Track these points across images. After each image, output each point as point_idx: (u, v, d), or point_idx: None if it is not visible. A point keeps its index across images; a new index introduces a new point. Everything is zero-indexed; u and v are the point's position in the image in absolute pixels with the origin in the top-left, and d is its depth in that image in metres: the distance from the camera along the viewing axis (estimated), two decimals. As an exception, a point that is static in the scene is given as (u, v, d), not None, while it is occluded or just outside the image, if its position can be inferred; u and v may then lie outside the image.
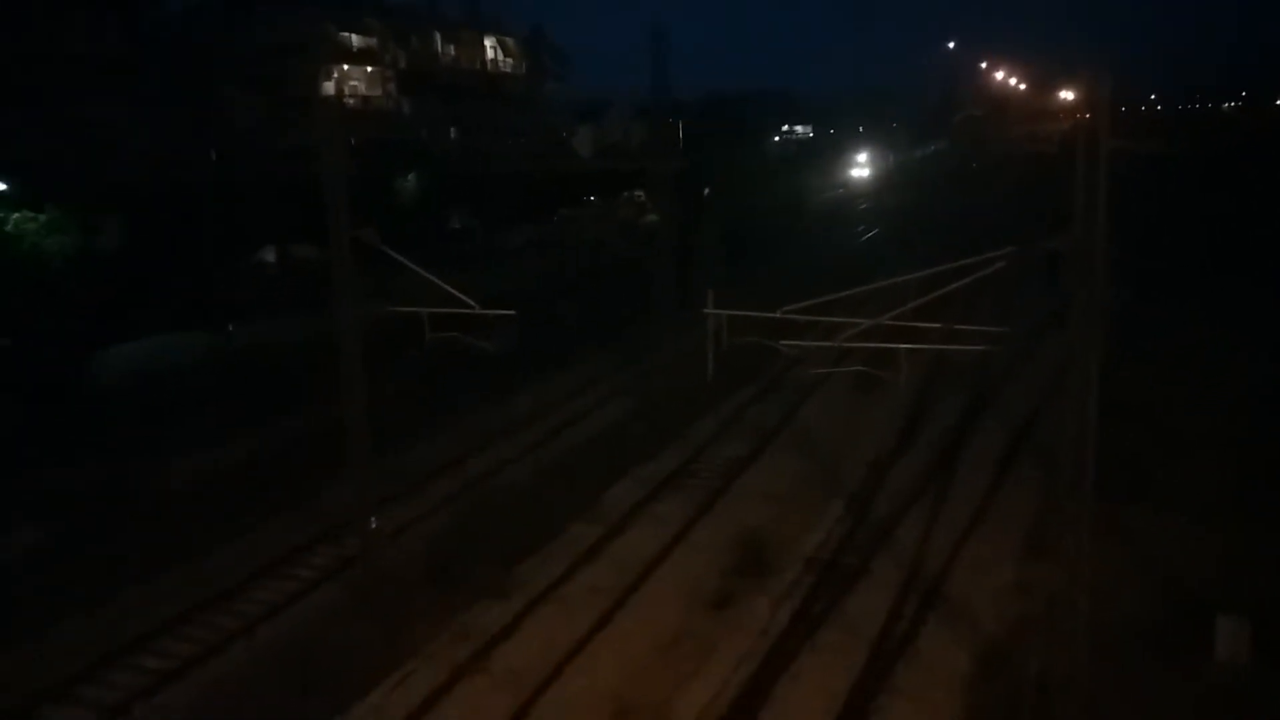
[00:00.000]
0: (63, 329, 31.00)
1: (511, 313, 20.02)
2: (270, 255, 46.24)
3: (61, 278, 32.93)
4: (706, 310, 23.34)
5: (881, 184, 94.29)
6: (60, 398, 27.48)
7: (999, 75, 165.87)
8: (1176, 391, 26.48)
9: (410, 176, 53.31)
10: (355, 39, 61.67)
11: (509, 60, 76.93)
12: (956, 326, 20.00)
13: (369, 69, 62.65)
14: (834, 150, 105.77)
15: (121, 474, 22.97)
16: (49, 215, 32.61)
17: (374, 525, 17.19)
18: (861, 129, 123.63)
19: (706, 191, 71.37)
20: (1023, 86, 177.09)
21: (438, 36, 69.54)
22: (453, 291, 19.23)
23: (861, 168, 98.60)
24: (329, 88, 57.11)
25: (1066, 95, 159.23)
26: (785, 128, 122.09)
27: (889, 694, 13.92)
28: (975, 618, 15.89)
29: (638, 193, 71.45)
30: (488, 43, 74.85)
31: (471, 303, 19.57)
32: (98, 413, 27.37)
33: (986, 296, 31.26)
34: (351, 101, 58.18)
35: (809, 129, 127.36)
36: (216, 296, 35.91)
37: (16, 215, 32.20)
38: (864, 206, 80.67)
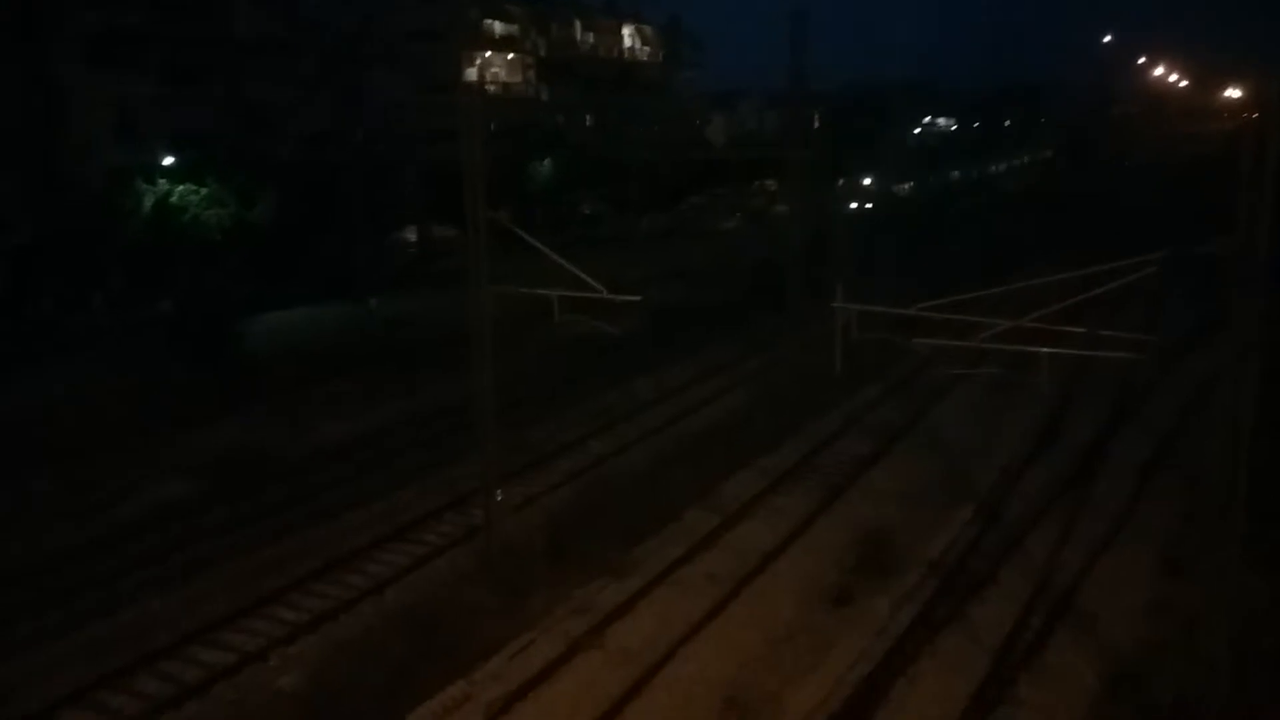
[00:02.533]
0: (219, 296, 32.88)
1: (638, 298, 20.16)
2: (411, 234, 47.87)
3: (219, 248, 34.84)
4: (835, 304, 23.07)
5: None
6: (214, 361, 29.12)
7: (1158, 71, 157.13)
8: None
9: (545, 162, 54.26)
10: (498, 26, 63.04)
11: (646, 48, 77.36)
12: (1101, 332, 19.18)
13: (510, 56, 63.97)
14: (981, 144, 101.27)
15: (267, 436, 24.24)
16: (210, 188, 34.52)
17: (499, 498, 17.71)
18: (1008, 123, 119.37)
19: (841, 183, 70.22)
20: (1183, 83, 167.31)
21: (578, 24, 70.47)
22: (581, 275, 19.52)
23: (858, 196, 73.89)
24: (471, 73, 58.56)
25: (1232, 93, 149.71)
26: (927, 120, 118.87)
27: (1011, 705, 13.51)
28: (1107, 635, 15.23)
29: (769, 182, 70.89)
30: (626, 31, 75.42)
31: (599, 286, 19.81)
32: (248, 377, 28.91)
33: (1135, 302, 29.92)
34: (492, 87, 59.53)
35: (952, 121, 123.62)
36: (359, 271, 37.38)
37: (181, 188, 34.22)
38: None
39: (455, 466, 21.63)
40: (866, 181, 75.25)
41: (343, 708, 13.40)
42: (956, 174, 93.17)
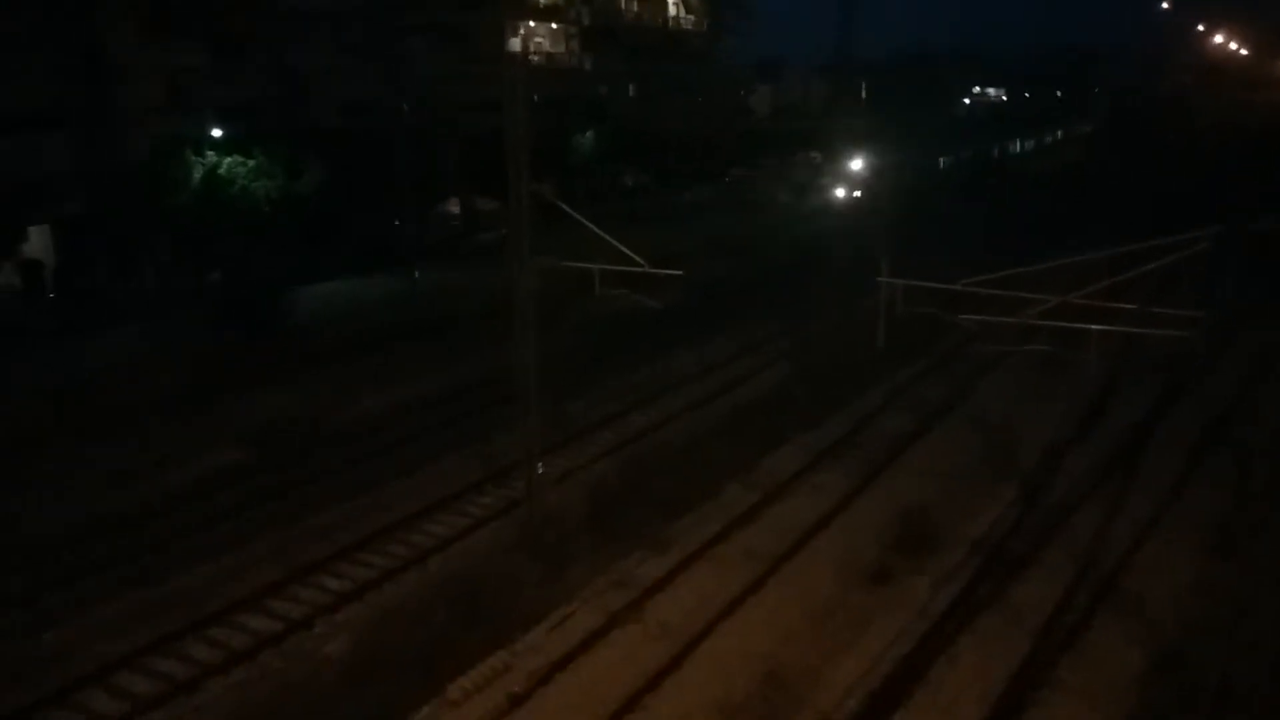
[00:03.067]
0: (266, 267, 33.30)
1: (679, 273, 20.09)
2: (454, 206, 48.03)
3: (266, 219, 35.19)
4: (880, 278, 22.83)
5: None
6: (261, 331, 29.54)
7: (1217, 38, 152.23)
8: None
9: (588, 134, 54.04)
10: (542, -5, 62.68)
11: (690, 17, 76.49)
12: (1152, 309, 18.83)
13: (554, 25, 63.62)
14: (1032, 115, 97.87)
15: (312, 406, 24.59)
16: (257, 160, 34.84)
17: (540, 470, 17.85)
18: (1060, 94, 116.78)
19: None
20: (1243, 51, 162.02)
21: (622, -8, 69.83)
22: (622, 249, 19.49)
23: (846, 182, 57.34)
24: (515, 44, 58.34)
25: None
26: (976, 90, 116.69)
27: (1051, 687, 13.41)
28: (1151, 616, 15.04)
29: (814, 153, 70.13)
30: (670, -1, 74.63)
31: (640, 261, 19.76)
32: (294, 347, 29.32)
33: (1187, 280, 29.25)
34: (536, 58, 59.27)
35: (1002, 92, 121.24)
36: (403, 243, 37.60)
37: (229, 159, 34.57)
38: None
39: (496, 438, 21.78)
40: (855, 165, 56.78)
41: (386, 675, 13.64)
42: (967, 154, 79.16)
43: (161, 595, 16.10)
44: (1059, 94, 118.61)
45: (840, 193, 56.03)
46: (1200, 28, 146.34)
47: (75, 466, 21.27)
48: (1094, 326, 18.32)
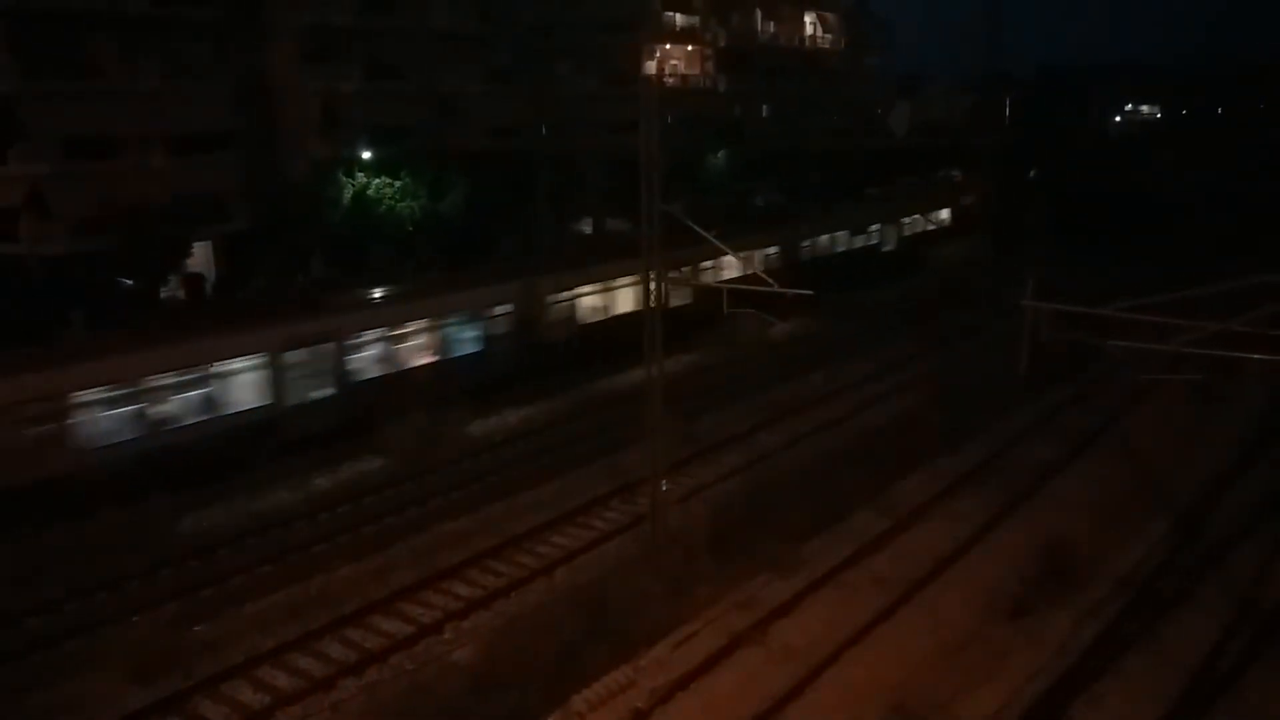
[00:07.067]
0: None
1: (809, 293, 19.81)
2: (586, 226, 48.81)
3: (410, 237, 36.55)
4: (1025, 301, 22.00)
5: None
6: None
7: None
8: None
9: (720, 153, 54.05)
10: (679, 18, 63.26)
11: (828, 35, 75.83)
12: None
13: (690, 47, 64.12)
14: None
15: (451, 417, 25.28)
16: (404, 181, 36.24)
17: (665, 488, 17.87)
18: (1220, 110, 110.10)
19: (1032, 173, 66.89)
20: None
21: (758, 14, 69.81)
22: (754, 269, 19.39)
23: None
24: (650, 66, 59.03)
25: None
26: (1129, 106, 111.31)
27: (1206, 736, 12.58)
28: (1321, 669, 13.93)
29: (954, 172, 68.31)
30: (807, 18, 74.12)
31: (770, 280, 19.59)
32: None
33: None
34: (671, 79, 59.80)
35: (1156, 108, 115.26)
36: (541, 261, 38.40)
37: (377, 180, 36.08)
38: None
39: (624, 454, 21.96)
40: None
41: (512, 683, 13.83)
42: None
43: (304, 594, 16.82)
44: (1219, 111, 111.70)
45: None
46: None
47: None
48: (1255, 355, 17.14)
